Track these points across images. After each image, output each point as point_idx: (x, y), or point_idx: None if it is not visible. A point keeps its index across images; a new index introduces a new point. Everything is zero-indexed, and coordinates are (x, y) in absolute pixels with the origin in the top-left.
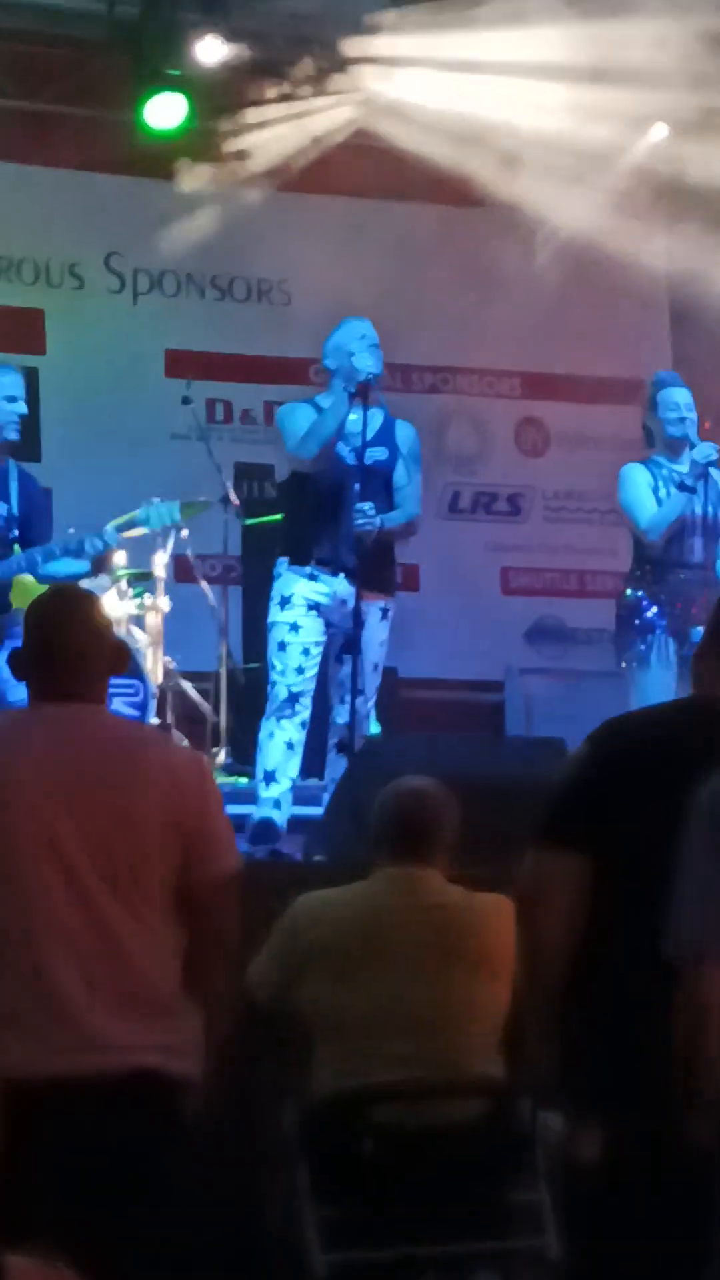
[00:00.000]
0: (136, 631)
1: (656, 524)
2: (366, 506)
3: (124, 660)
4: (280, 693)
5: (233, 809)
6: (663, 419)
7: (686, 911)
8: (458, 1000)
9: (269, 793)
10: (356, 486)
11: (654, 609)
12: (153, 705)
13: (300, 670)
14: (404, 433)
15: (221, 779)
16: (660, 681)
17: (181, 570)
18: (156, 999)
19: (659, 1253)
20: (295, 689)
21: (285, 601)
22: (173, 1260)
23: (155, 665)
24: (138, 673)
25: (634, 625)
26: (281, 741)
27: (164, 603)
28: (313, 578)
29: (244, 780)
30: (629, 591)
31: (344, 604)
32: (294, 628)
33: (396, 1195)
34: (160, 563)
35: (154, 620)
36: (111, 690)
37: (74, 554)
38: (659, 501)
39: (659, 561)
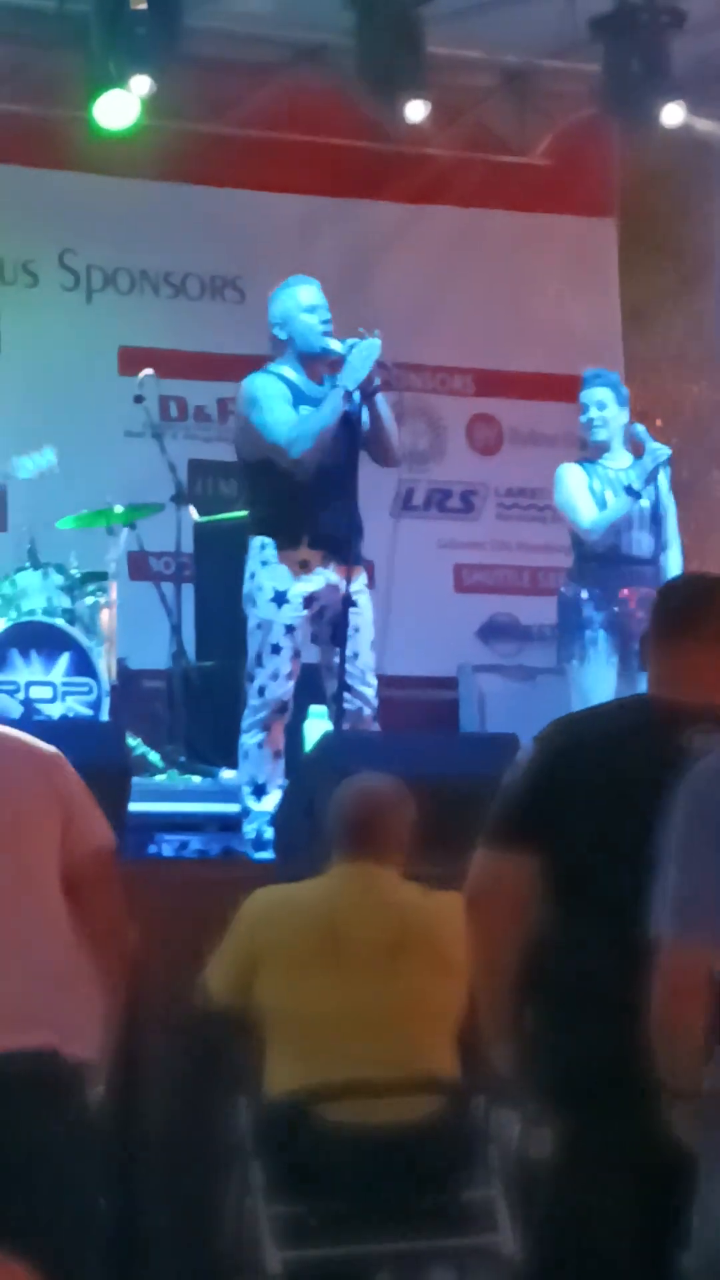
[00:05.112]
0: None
1: (598, 525)
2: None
3: None
4: (270, 699)
5: (189, 807)
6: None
7: (664, 895)
8: (412, 998)
9: (261, 806)
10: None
11: (592, 605)
12: (106, 704)
13: (290, 676)
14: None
15: (176, 777)
16: (600, 678)
17: (136, 568)
18: (55, 980)
19: (613, 1249)
20: (285, 695)
21: (280, 598)
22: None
23: (109, 663)
24: (91, 671)
25: (573, 622)
26: (271, 750)
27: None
28: (304, 565)
29: (198, 779)
30: (568, 588)
31: (335, 590)
32: (289, 630)
33: (351, 1193)
34: (112, 560)
35: (107, 618)
36: (65, 689)
37: None
38: (598, 499)
39: (600, 558)
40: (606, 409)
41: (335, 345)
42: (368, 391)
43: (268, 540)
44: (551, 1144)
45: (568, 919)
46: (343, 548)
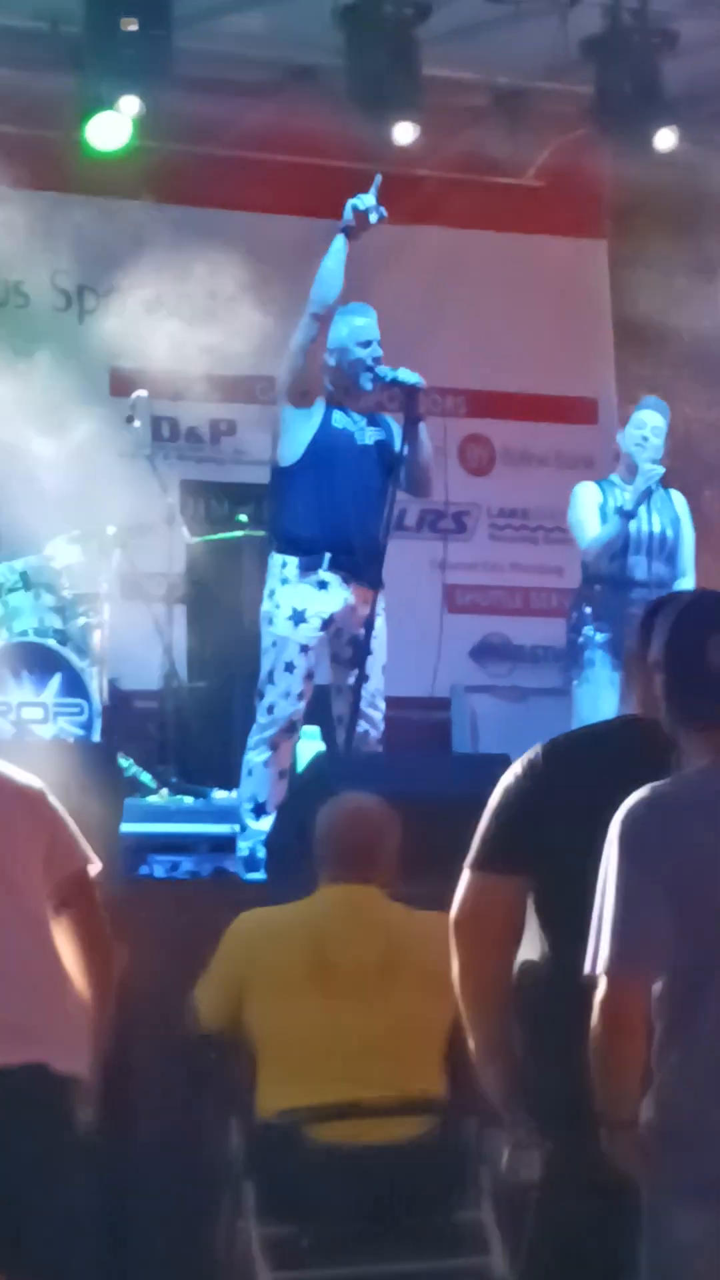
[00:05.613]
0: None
1: (592, 547)
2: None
3: None
4: (280, 717)
5: (181, 828)
6: (627, 435)
7: (604, 929)
8: (401, 1019)
9: (259, 825)
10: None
11: (593, 626)
12: (98, 725)
13: (301, 696)
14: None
15: (168, 798)
16: (602, 700)
17: (128, 589)
18: (44, 997)
19: (601, 1272)
20: (295, 715)
21: (299, 617)
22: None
23: (100, 684)
24: (83, 692)
25: (577, 643)
26: (275, 770)
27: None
28: (323, 586)
29: (190, 800)
30: (574, 610)
31: (354, 611)
32: (304, 649)
33: (342, 1214)
34: (103, 581)
35: (99, 639)
36: (56, 710)
37: None
38: (606, 518)
39: (604, 580)
40: (659, 435)
41: (382, 370)
42: (411, 419)
43: (289, 559)
44: (540, 1166)
45: (554, 941)
46: (363, 569)
